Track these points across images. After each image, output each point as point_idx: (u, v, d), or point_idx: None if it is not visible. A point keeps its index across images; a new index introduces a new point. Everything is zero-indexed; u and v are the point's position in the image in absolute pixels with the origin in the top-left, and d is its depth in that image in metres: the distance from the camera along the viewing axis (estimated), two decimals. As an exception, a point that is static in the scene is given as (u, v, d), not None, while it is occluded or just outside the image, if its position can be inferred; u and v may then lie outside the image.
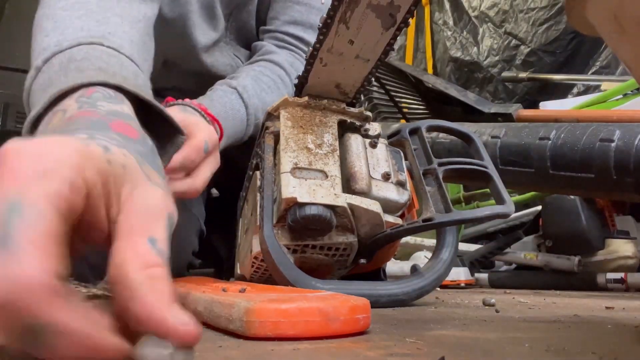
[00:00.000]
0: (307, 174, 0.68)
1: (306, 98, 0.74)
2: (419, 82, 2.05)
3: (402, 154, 0.79)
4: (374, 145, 0.75)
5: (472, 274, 1.43)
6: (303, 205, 0.66)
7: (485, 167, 0.75)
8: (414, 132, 0.80)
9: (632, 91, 1.58)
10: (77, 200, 0.26)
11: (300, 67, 0.96)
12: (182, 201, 0.86)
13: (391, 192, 0.73)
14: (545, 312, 0.70)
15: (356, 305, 0.45)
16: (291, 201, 0.66)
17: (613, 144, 0.93)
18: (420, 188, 0.72)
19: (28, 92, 0.49)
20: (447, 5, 2.71)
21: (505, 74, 2.34)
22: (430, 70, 2.75)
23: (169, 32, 0.87)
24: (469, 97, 1.71)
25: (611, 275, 1.25)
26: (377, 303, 0.67)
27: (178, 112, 0.71)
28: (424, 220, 0.68)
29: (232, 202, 1.03)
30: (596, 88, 2.03)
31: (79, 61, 0.46)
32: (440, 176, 0.72)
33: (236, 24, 1.04)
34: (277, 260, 0.66)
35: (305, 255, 0.70)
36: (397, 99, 2.30)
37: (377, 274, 0.87)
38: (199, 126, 0.70)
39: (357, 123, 0.77)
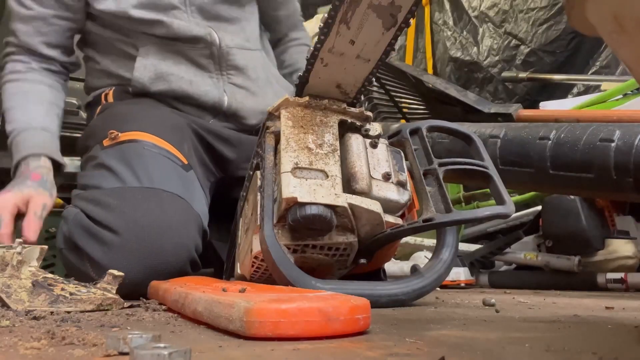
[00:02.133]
0: (307, 174, 0.68)
1: (307, 98, 0.74)
2: (419, 82, 2.05)
3: (402, 154, 0.79)
4: (374, 146, 0.75)
5: (472, 274, 1.43)
6: (303, 205, 0.66)
7: (486, 168, 0.75)
8: (415, 132, 0.80)
9: (632, 91, 1.57)
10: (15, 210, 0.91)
11: None
12: (184, 199, 0.86)
13: (391, 192, 0.73)
14: (545, 312, 0.70)
15: (356, 305, 0.45)
16: (291, 201, 0.66)
17: (613, 144, 0.93)
18: (420, 188, 0.72)
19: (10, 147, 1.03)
20: (447, 5, 2.71)
21: (505, 74, 2.34)
22: (430, 70, 2.75)
23: None
24: (469, 97, 1.71)
25: (611, 275, 1.25)
26: (377, 303, 0.67)
27: None
28: (425, 221, 0.68)
29: (232, 204, 1.04)
30: (596, 88, 2.03)
31: (25, 142, 1.00)
32: (441, 176, 0.72)
33: None
34: (277, 259, 0.66)
35: (306, 255, 0.70)
36: (397, 99, 2.29)
37: (377, 274, 0.87)
38: None
39: (358, 123, 0.76)
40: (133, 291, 0.72)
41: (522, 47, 2.35)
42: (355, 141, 0.74)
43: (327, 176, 0.69)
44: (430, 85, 1.96)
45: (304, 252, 0.70)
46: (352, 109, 0.76)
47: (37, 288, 0.60)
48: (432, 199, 0.70)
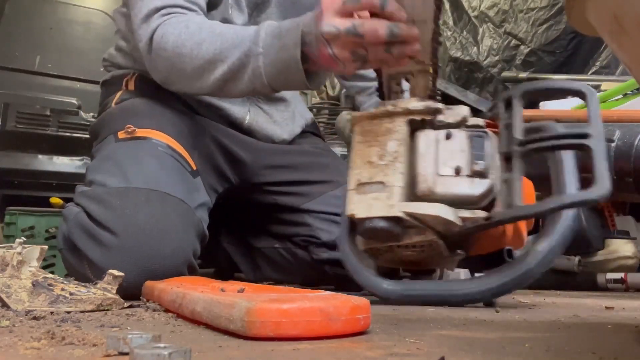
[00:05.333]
0: (368, 189, 0.71)
1: (371, 110, 0.75)
2: (419, 82, 2.04)
3: (484, 137, 0.72)
4: (448, 137, 0.71)
5: (472, 274, 1.43)
6: (362, 220, 0.70)
7: (585, 137, 0.63)
8: (509, 103, 0.73)
9: (632, 91, 1.57)
10: None
11: None
12: (187, 203, 0.87)
13: (462, 187, 0.69)
14: (545, 312, 0.70)
15: (357, 305, 0.45)
16: (352, 217, 0.71)
17: (613, 144, 0.93)
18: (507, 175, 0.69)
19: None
20: (447, 5, 2.71)
21: (505, 74, 2.34)
22: (430, 70, 2.74)
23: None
24: (469, 97, 1.71)
25: (611, 275, 1.25)
26: (449, 302, 0.73)
27: None
28: (486, 218, 0.68)
29: (246, 209, 1.03)
30: (596, 88, 2.03)
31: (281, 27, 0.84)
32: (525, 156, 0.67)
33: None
34: (351, 267, 0.79)
35: (394, 253, 0.74)
36: (397, 99, 2.28)
37: (500, 255, 0.81)
38: None
39: (428, 117, 0.73)
40: (130, 293, 0.72)
41: (522, 47, 2.35)
42: (424, 139, 0.72)
43: (385, 187, 0.70)
44: (431, 85, 1.95)
45: (392, 251, 0.74)
46: (417, 106, 0.73)
47: (37, 288, 0.60)
48: (512, 186, 0.67)
